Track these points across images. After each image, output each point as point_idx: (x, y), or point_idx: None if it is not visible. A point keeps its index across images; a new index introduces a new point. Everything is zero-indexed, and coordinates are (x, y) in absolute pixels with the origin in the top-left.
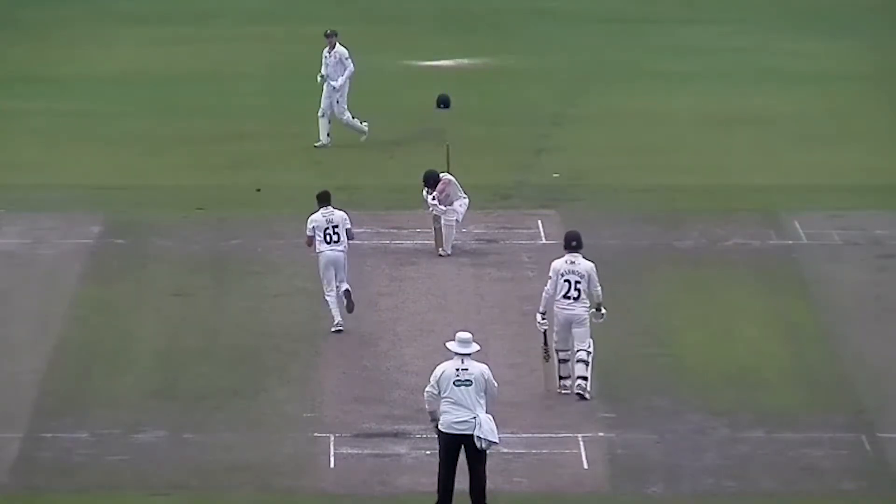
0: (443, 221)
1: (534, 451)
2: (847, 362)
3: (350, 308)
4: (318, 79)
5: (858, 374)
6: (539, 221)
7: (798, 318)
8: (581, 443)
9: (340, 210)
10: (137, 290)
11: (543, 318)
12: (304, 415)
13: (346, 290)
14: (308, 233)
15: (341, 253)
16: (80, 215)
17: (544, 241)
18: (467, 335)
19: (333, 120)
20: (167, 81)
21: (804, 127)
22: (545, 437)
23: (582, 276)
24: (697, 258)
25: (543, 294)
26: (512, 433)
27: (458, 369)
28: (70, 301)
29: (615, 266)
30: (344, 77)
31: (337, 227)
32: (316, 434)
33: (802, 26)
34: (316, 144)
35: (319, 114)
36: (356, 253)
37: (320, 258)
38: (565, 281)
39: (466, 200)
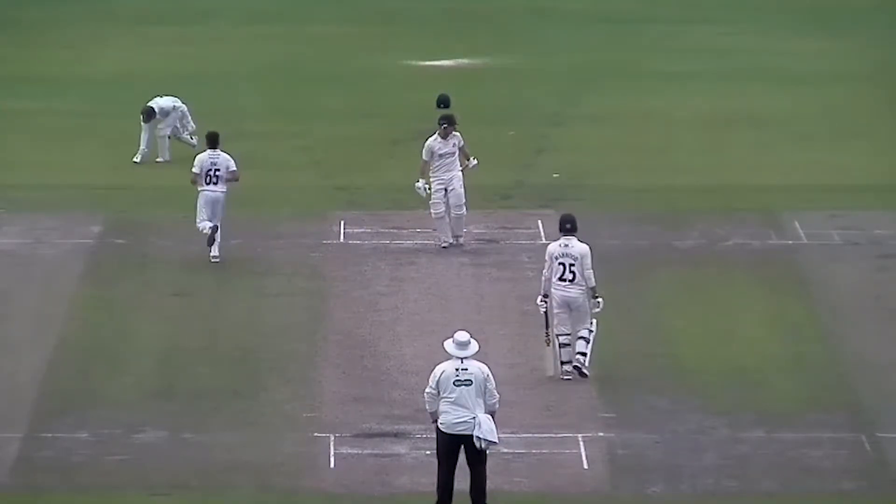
0: (432, 214)
1: (534, 451)
2: (847, 362)
3: (210, 242)
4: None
5: (858, 374)
6: (539, 221)
7: (798, 317)
8: (581, 443)
9: (227, 153)
10: (137, 290)
11: (543, 301)
12: (304, 415)
13: (215, 226)
14: (194, 170)
15: (220, 194)
16: (81, 215)
17: (544, 240)
18: (465, 336)
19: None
20: (166, 82)
21: (804, 127)
22: (545, 437)
23: (575, 259)
24: (697, 258)
25: (542, 278)
26: (512, 433)
27: (457, 369)
28: (70, 301)
29: (615, 266)
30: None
31: (219, 170)
32: (316, 434)
33: (801, 26)
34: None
35: (170, 134)
36: (357, 253)
37: (199, 196)
38: (559, 264)
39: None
